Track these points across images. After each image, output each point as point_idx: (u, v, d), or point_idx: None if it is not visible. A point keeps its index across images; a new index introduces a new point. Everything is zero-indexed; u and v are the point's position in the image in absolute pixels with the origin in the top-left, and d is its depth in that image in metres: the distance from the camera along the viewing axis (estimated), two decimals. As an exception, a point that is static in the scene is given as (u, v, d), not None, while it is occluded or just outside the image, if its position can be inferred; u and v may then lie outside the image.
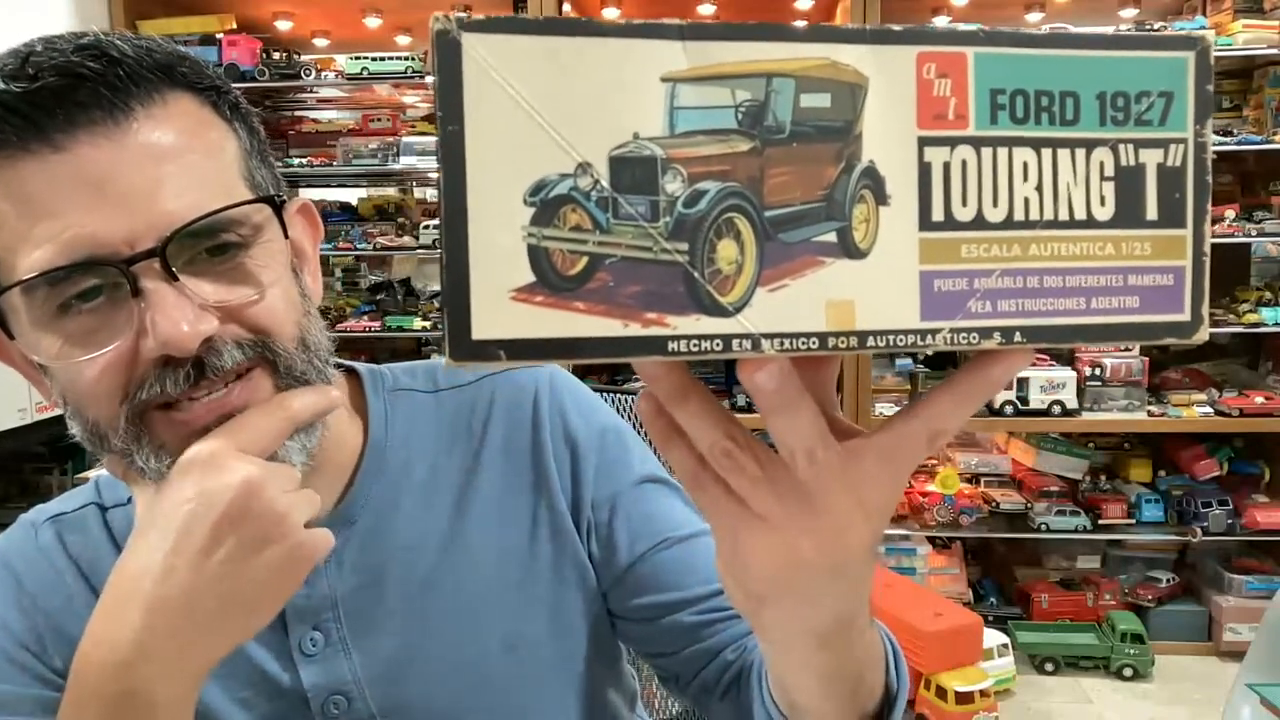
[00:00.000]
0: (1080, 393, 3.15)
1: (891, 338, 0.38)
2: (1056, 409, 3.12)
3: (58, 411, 0.69)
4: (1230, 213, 3.05)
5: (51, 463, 2.97)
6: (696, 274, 0.37)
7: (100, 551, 0.79)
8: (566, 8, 3.23)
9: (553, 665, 0.84)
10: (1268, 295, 3.14)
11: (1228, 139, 3.02)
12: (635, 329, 0.36)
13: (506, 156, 0.35)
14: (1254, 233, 3.06)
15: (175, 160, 0.64)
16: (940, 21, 3.30)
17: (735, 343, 0.37)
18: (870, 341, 0.38)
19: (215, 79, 0.70)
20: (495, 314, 0.35)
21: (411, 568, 0.81)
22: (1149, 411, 3.15)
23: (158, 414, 0.66)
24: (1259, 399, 3.09)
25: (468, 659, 0.81)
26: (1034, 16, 3.35)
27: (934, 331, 0.39)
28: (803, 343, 0.37)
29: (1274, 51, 3.01)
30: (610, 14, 3.46)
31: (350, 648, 0.78)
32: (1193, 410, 3.12)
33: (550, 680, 0.84)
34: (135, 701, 0.60)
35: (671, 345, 0.37)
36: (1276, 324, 3.06)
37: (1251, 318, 3.06)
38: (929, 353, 0.40)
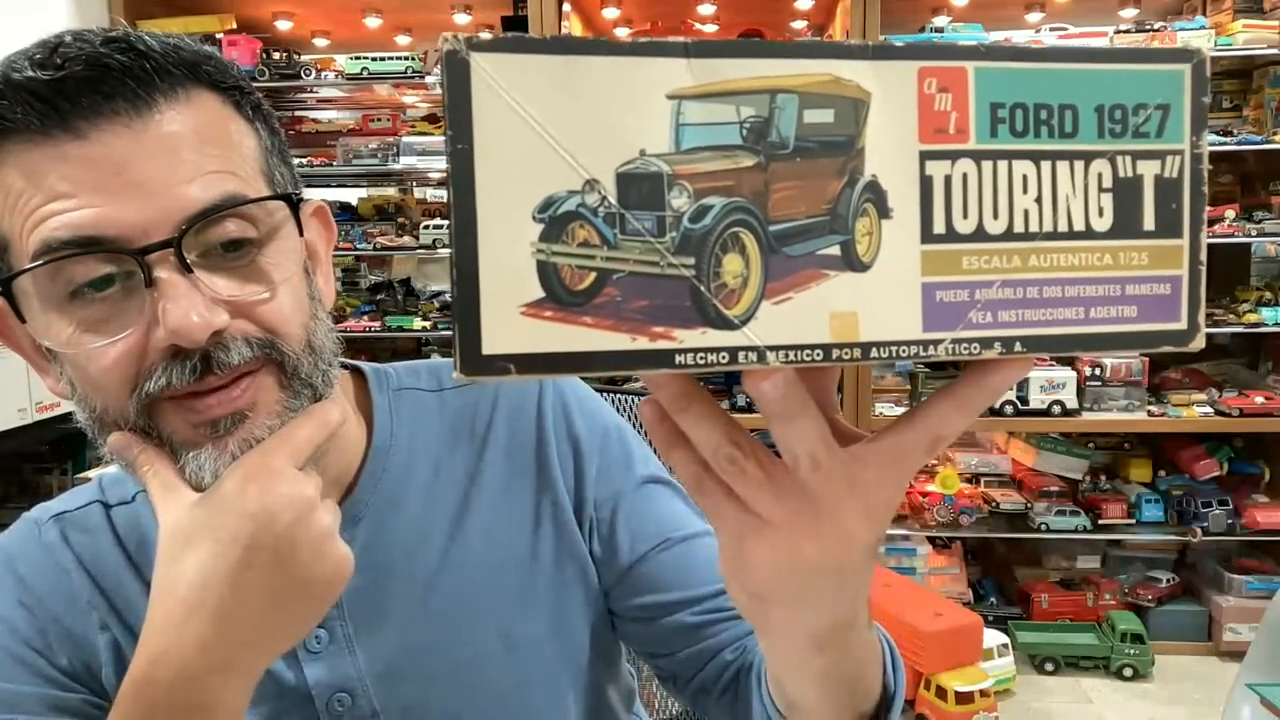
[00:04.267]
0: (1080, 393, 3.16)
1: (894, 349, 0.39)
2: (1056, 409, 3.13)
3: (58, 411, 0.70)
4: (1230, 213, 3.05)
5: (51, 463, 2.97)
6: (703, 288, 0.37)
7: (105, 549, 0.79)
8: (566, 7, 3.23)
9: (553, 663, 0.85)
10: (1268, 295, 3.14)
11: (1228, 139, 3.02)
12: (643, 343, 0.37)
13: (515, 174, 0.36)
14: (1254, 233, 3.06)
15: (195, 153, 0.65)
16: (940, 20, 3.30)
17: (741, 355, 0.38)
18: (873, 353, 0.39)
19: (239, 79, 0.70)
20: (505, 329, 0.36)
21: (414, 566, 0.81)
22: (1149, 411, 3.15)
23: (168, 404, 0.66)
24: (1259, 399, 3.09)
25: (469, 657, 0.81)
26: (1034, 16, 3.35)
27: (936, 342, 0.39)
28: (807, 354, 0.38)
29: (1274, 51, 3.01)
30: (610, 14, 3.46)
31: (354, 645, 0.79)
32: (1193, 410, 3.13)
33: (551, 678, 0.85)
34: (207, 713, 0.61)
35: (679, 358, 0.37)
36: (1276, 324, 3.06)
37: (1251, 318, 3.07)
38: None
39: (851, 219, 0.38)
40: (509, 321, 0.36)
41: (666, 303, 0.37)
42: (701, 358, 0.37)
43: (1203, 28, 3.05)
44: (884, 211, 0.39)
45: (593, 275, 0.37)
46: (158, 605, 0.62)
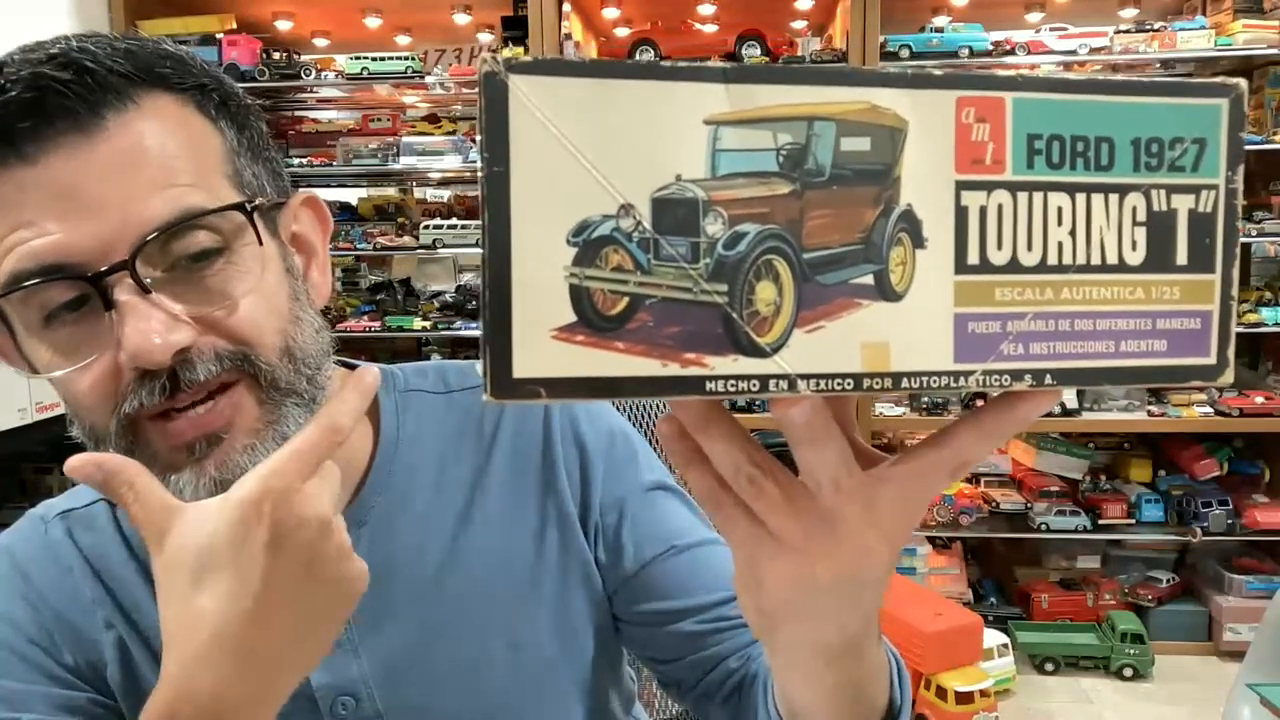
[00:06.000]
0: (1080, 392, 3.16)
1: (925, 379, 0.39)
2: (1056, 409, 3.11)
3: (58, 411, 0.69)
4: (1230, 213, 3.05)
5: (51, 463, 2.97)
6: (735, 315, 0.37)
7: (110, 548, 0.78)
8: (566, 7, 3.22)
9: (556, 666, 0.85)
10: (1268, 295, 3.15)
11: (1228, 140, 3.02)
12: (674, 369, 0.37)
13: (550, 197, 0.36)
14: (1254, 233, 3.06)
15: (148, 166, 0.63)
16: (940, 20, 3.30)
17: (772, 383, 0.38)
18: (905, 383, 0.39)
19: (201, 77, 0.68)
20: (536, 353, 0.36)
21: (419, 568, 0.81)
22: (1149, 411, 3.16)
23: (151, 423, 0.65)
24: (1259, 399, 3.10)
25: (473, 659, 0.81)
26: (1034, 16, 3.35)
27: (967, 373, 0.39)
28: (838, 384, 0.38)
29: (1274, 51, 3.02)
30: (610, 14, 3.46)
31: (359, 648, 0.79)
32: (1193, 410, 3.13)
33: (553, 681, 0.85)
34: None
35: (709, 385, 0.37)
36: (1276, 324, 3.07)
37: (1251, 318, 3.07)
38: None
39: (886, 248, 0.38)
40: (540, 345, 0.36)
41: (699, 329, 0.37)
42: (732, 385, 0.37)
43: (1203, 28, 3.05)
44: (918, 241, 0.38)
45: (625, 300, 0.37)
46: (176, 640, 0.58)
